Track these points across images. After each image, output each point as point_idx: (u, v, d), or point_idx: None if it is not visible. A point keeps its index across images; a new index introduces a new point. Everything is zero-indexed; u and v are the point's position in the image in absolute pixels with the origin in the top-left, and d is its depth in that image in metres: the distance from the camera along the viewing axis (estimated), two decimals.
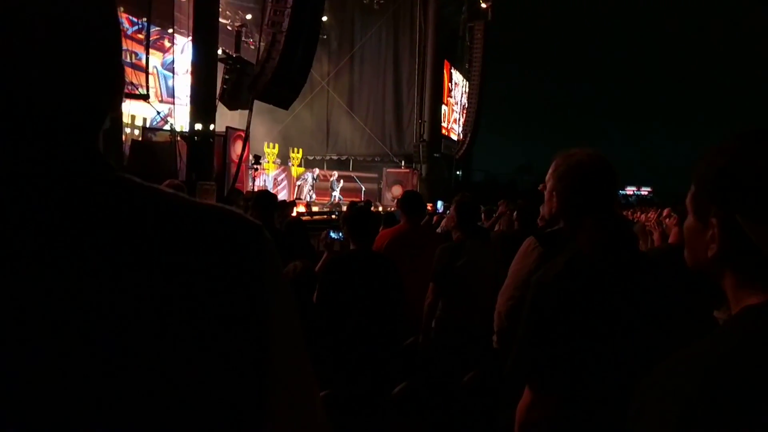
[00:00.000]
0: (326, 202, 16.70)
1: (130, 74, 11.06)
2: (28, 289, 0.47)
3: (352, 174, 19.29)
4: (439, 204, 12.90)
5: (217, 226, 0.57)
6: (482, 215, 7.14)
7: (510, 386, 1.52)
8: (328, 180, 17.32)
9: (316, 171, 17.39)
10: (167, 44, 14.97)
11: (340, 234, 3.29)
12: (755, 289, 0.69)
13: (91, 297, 0.49)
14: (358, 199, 13.92)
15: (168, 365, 0.51)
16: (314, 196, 16.67)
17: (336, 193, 16.81)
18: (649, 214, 3.54)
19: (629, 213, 11.56)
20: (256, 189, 12.68)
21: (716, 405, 0.60)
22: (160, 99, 14.91)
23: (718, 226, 0.71)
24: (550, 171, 1.60)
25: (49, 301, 0.48)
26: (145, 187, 0.57)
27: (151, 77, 15.22)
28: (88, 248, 0.50)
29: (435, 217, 5.39)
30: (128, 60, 12.25)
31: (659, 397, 0.66)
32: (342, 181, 17.39)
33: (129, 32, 12.64)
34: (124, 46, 12.53)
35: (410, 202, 3.73)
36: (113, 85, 0.58)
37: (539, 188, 2.89)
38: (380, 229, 3.87)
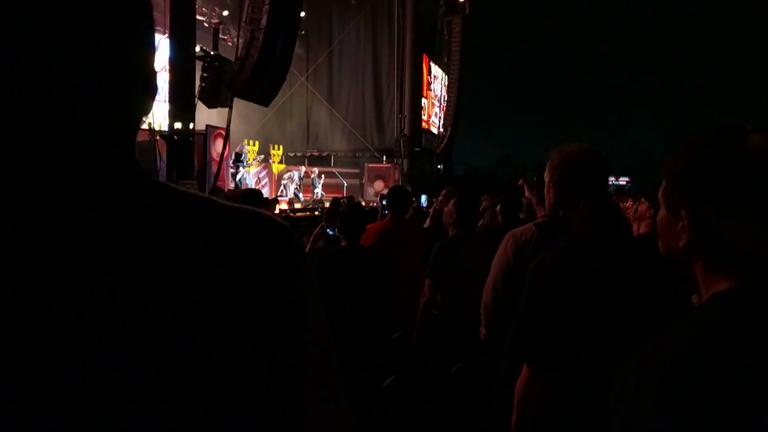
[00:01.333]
0: (309, 198, 16.64)
1: None
2: (62, 296, 0.48)
3: (334, 170, 19.24)
4: (423, 198, 12.92)
5: (253, 228, 0.58)
6: None
7: (510, 363, 1.60)
8: (310, 177, 17.26)
9: (303, 169, 17.24)
10: None
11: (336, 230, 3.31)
12: (723, 277, 0.73)
13: (122, 303, 0.49)
14: (340, 195, 13.92)
15: (203, 371, 0.51)
16: (302, 195, 16.54)
17: (318, 190, 16.76)
18: (626, 204, 3.63)
19: None
20: (234, 186, 12.60)
21: (688, 383, 0.65)
22: None
23: (687, 218, 0.76)
24: (547, 166, 1.72)
25: (83, 307, 0.48)
26: (179, 191, 0.57)
27: None
28: (122, 254, 0.50)
29: (411, 211, 5.41)
30: None
31: (637, 382, 0.70)
32: (323, 177, 17.32)
33: None
34: None
35: (397, 197, 3.77)
36: (147, 87, 0.58)
37: (519, 183, 2.94)
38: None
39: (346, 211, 3.02)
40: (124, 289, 0.50)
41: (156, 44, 0.63)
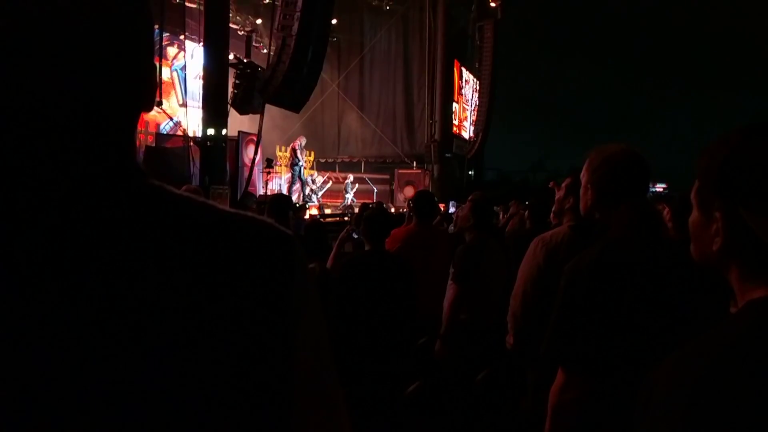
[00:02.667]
0: (339, 203, 16.70)
1: None
2: (54, 301, 0.47)
3: (364, 176, 19.31)
4: (451, 204, 12.88)
5: (250, 235, 0.56)
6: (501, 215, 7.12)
7: (541, 370, 1.57)
8: (343, 183, 17.31)
9: (314, 174, 17.16)
10: (171, 51, 15.07)
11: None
12: (760, 283, 0.69)
13: (118, 309, 0.48)
14: (370, 201, 13.94)
15: (194, 376, 0.50)
16: (316, 198, 16.41)
17: (350, 196, 16.78)
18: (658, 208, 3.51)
19: None
20: (268, 192, 12.77)
21: (718, 398, 0.61)
22: (180, 103, 15.00)
23: (722, 220, 0.71)
24: (584, 166, 1.68)
25: (79, 313, 0.47)
26: (177, 195, 0.56)
27: (170, 82, 15.43)
28: (118, 259, 0.49)
29: (439, 217, 5.40)
30: None
31: (665, 389, 0.67)
32: (357, 184, 17.32)
33: None
34: None
35: (422, 202, 3.74)
36: (146, 84, 0.56)
37: (550, 185, 2.88)
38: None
39: (369, 215, 3.01)
40: (115, 293, 0.49)
41: (156, 45, 0.62)
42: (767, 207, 0.67)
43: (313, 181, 16.40)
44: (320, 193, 16.44)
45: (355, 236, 3.97)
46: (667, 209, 2.95)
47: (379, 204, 9.31)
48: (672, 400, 0.65)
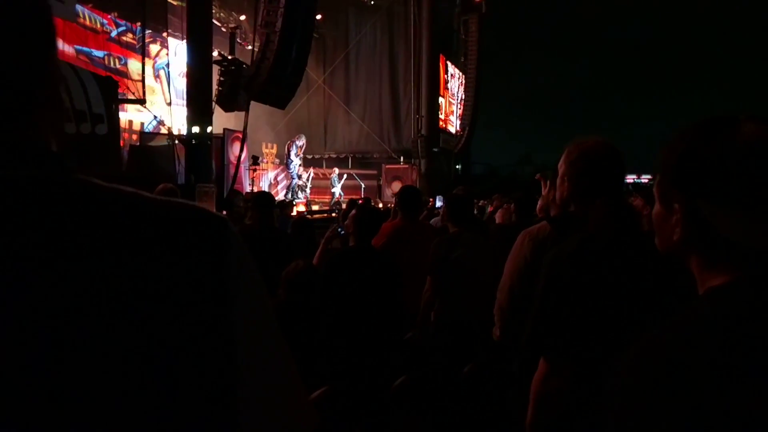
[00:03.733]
0: (327, 200, 16.65)
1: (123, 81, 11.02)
2: None
3: (352, 171, 19.30)
4: (439, 199, 12.93)
5: (179, 219, 0.56)
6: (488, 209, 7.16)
7: (523, 360, 1.58)
8: (329, 178, 17.26)
9: (304, 175, 17.06)
10: (154, 48, 14.91)
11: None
12: (718, 271, 0.71)
13: (41, 301, 0.48)
14: (357, 197, 13.93)
15: (129, 363, 0.49)
16: (301, 194, 16.35)
17: (337, 190, 16.71)
18: (635, 201, 3.56)
19: None
20: (255, 190, 12.71)
21: (677, 383, 0.62)
22: (168, 101, 14.82)
23: (681, 211, 0.74)
24: (562, 158, 1.70)
25: None
26: (102, 186, 0.55)
27: (157, 81, 15.23)
28: (35, 250, 0.49)
29: (425, 212, 5.46)
30: (112, 66, 12.29)
31: (628, 377, 0.68)
32: (344, 176, 17.26)
33: (113, 34, 12.64)
34: (107, 51, 12.32)
35: (407, 197, 3.74)
36: (40, 79, 0.55)
37: (536, 177, 2.92)
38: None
39: (362, 215, 3.01)
40: (33, 285, 0.48)
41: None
42: (722, 198, 0.69)
43: (299, 177, 16.34)
44: (308, 189, 16.38)
45: (341, 231, 3.97)
46: (638, 200, 3.00)
47: (366, 200, 9.30)
48: (635, 382, 0.67)
